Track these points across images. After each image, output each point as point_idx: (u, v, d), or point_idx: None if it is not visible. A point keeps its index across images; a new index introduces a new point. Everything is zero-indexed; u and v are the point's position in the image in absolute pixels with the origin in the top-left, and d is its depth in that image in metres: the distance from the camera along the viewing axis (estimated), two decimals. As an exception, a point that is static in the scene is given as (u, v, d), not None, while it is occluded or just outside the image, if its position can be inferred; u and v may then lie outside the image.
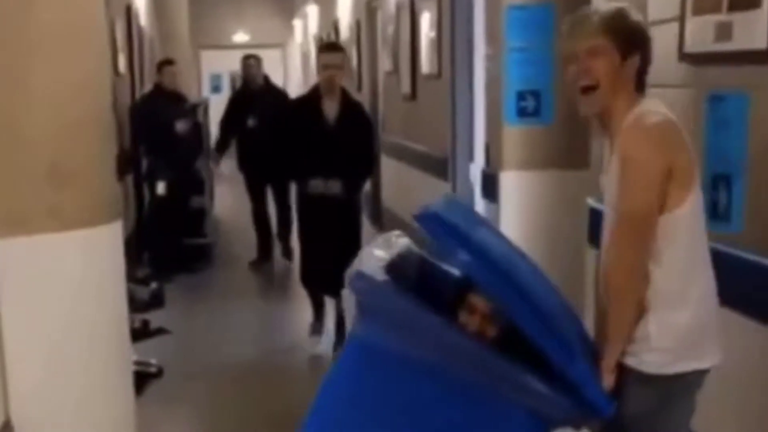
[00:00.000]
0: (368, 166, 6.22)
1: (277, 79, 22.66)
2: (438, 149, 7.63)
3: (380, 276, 2.54)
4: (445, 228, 2.59)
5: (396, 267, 2.69)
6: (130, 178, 8.62)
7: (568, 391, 2.47)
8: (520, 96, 5.72)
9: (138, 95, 9.46)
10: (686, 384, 2.61)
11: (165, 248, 8.39)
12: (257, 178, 8.68)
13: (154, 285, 7.46)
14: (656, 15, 3.70)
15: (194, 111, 9.09)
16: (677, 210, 2.51)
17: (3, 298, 3.40)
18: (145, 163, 8.58)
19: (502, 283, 2.54)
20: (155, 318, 6.78)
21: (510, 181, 5.77)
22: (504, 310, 2.60)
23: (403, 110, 9.29)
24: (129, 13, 9.33)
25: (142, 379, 5.20)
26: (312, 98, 6.01)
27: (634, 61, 2.60)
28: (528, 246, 5.69)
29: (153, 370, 5.65)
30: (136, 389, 3.94)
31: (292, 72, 22.79)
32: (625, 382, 2.57)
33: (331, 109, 5.89)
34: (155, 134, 8.23)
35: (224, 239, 10.12)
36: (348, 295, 2.62)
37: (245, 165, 8.71)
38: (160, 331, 6.57)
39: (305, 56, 20.74)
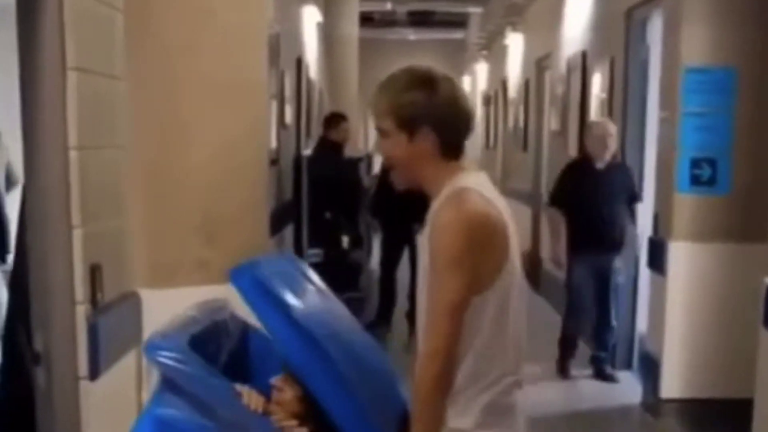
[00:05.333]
0: None
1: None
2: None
3: (183, 346, 2.40)
4: (262, 295, 2.48)
5: (208, 336, 2.53)
6: (289, 230, 8.65)
7: None
8: (695, 163, 5.48)
9: (303, 146, 9.53)
10: None
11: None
12: (394, 237, 8.54)
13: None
14: None
15: (355, 165, 9.07)
16: (486, 292, 2.40)
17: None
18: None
19: (314, 365, 2.48)
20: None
21: (680, 253, 5.49)
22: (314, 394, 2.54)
23: (570, 172, 8.95)
24: (299, 65, 9.45)
25: None
26: None
27: (424, 136, 2.46)
28: (696, 325, 5.45)
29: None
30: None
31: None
32: None
33: None
34: (318, 186, 8.26)
35: (376, 295, 9.99)
36: (149, 365, 2.45)
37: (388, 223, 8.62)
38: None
39: (472, 113, 20.70)
